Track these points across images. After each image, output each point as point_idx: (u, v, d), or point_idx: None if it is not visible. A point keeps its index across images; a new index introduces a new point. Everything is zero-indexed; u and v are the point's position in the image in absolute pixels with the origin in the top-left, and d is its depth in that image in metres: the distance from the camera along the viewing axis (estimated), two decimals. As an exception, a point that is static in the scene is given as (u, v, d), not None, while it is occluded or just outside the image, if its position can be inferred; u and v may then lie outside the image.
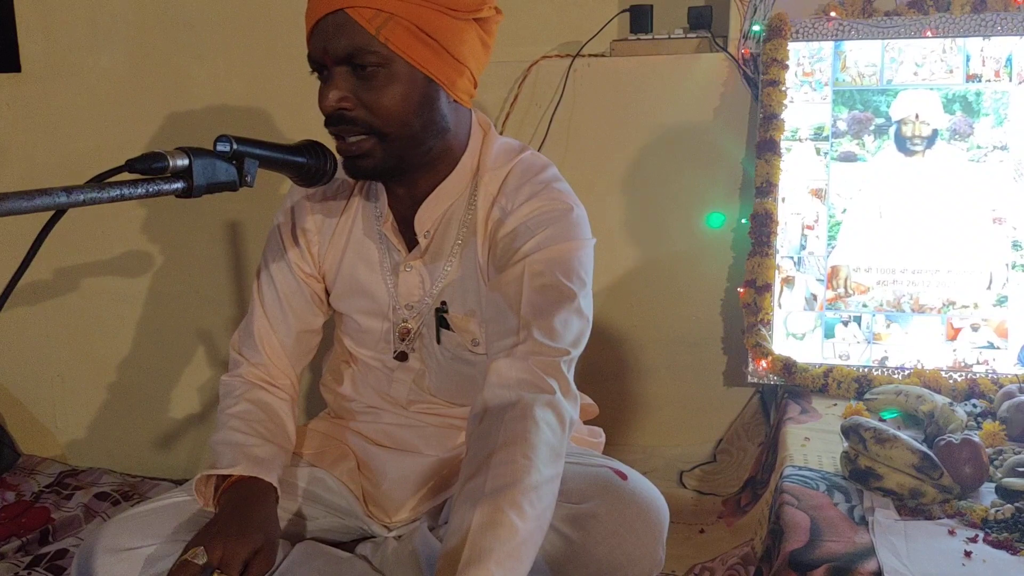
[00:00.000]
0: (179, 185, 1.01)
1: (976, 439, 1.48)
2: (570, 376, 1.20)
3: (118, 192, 0.93)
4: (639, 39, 2.17)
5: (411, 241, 1.36)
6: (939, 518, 1.36)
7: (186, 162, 1.01)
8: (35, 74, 2.34)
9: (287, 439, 1.39)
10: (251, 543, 1.17)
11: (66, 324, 2.41)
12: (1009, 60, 1.94)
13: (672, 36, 2.16)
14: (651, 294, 2.23)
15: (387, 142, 1.22)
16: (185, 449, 2.41)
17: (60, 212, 0.91)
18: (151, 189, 0.98)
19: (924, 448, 1.43)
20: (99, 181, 0.93)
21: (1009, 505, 1.36)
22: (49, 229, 0.92)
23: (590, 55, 2.19)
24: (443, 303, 1.36)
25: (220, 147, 1.07)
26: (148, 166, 0.98)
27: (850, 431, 1.49)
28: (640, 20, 2.18)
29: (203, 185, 1.03)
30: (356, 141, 1.22)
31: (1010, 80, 1.94)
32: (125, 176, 0.97)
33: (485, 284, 1.32)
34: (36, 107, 2.35)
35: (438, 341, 1.37)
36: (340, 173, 1.28)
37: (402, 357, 1.41)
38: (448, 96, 1.24)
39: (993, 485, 1.44)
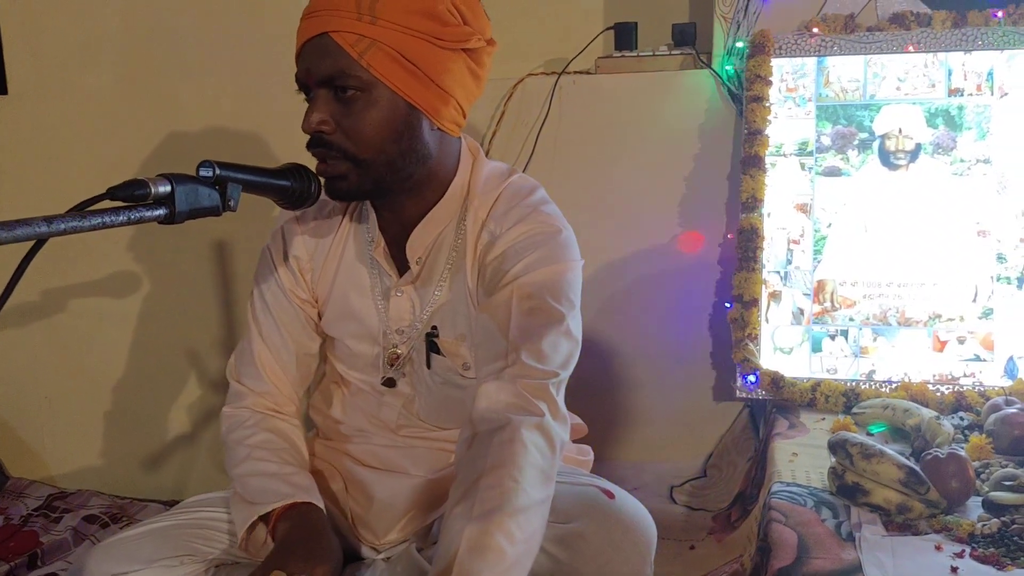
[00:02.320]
0: (161, 212, 1.01)
1: (962, 453, 1.48)
2: (559, 398, 1.21)
3: (99, 220, 0.93)
4: (624, 56, 2.19)
5: (402, 266, 1.36)
6: (926, 533, 1.36)
7: (168, 188, 1.01)
8: (23, 95, 2.34)
9: (308, 467, 1.40)
10: (326, 565, 1.19)
11: (54, 345, 2.41)
12: (990, 74, 1.96)
13: (657, 53, 2.17)
14: (639, 309, 2.23)
15: (361, 167, 1.23)
16: (174, 469, 2.41)
17: (41, 241, 0.91)
18: (133, 216, 0.98)
19: (910, 463, 1.44)
20: (80, 209, 0.93)
21: (995, 519, 1.36)
22: (30, 259, 0.92)
23: (576, 72, 2.21)
24: (433, 328, 1.36)
25: (203, 172, 1.07)
26: (130, 193, 0.98)
27: (837, 446, 1.50)
28: (625, 37, 2.20)
29: (185, 211, 1.03)
30: (332, 163, 1.23)
31: (991, 94, 1.96)
32: (107, 203, 0.97)
33: (475, 308, 1.32)
34: (24, 128, 2.35)
35: (428, 366, 1.37)
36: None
37: (391, 383, 1.41)
38: (431, 124, 1.25)
39: (980, 499, 1.44)
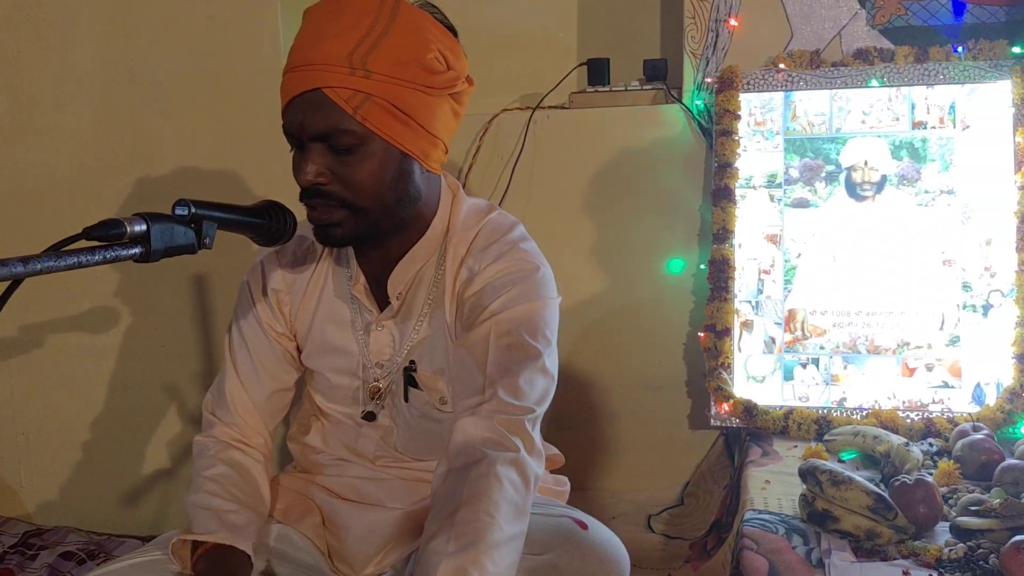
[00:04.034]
0: (136, 250, 1.02)
1: (929, 479, 1.51)
2: (535, 434, 1.22)
3: (75, 260, 0.95)
4: (597, 91, 2.24)
5: (382, 301, 1.37)
6: (894, 559, 1.38)
7: (143, 227, 1.03)
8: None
9: (262, 502, 1.39)
10: None
11: (31, 381, 2.39)
12: (952, 107, 2.01)
13: (629, 88, 2.22)
14: (616, 340, 2.26)
15: (359, 214, 1.24)
16: (152, 505, 2.39)
17: (17, 281, 0.92)
18: (108, 255, 0.99)
19: (878, 489, 1.46)
20: (56, 249, 0.95)
21: (962, 544, 1.39)
22: (6, 299, 0.93)
23: (550, 107, 2.25)
24: (412, 362, 1.37)
25: (178, 211, 1.09)
26: (105, 233, 0.99)
27: (807, 474, 1.52)
28: (597, 73, 2.25)
29: (161, 249, 1.05)
30: (327, 211, 1.24)
31: (954, 127, 2.01)
32: (82, 243, 0.99)
33: (453, 343, 1.34)
34: (1, 167, 2.35)
35: (405, 399, 1.39)
36: (309, 233, 1.31)
37: (371, 416, 1.42)
38: (422, 167, 1.27)
39: (947, 524, 1.47)
